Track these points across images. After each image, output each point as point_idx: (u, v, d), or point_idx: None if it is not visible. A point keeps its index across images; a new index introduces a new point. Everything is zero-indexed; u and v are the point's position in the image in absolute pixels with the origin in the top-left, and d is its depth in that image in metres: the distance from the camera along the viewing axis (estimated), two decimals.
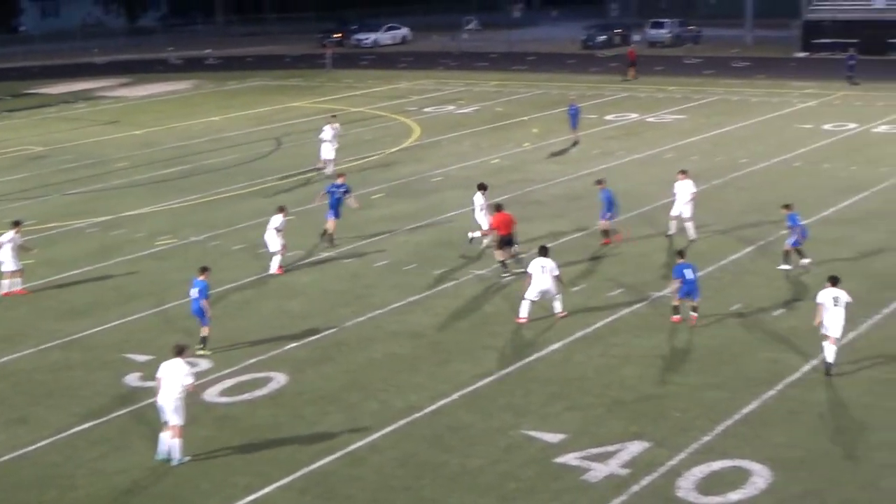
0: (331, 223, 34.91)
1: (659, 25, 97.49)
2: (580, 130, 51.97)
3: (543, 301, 27.58)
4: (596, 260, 32.49)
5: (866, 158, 45.18)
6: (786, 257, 30.71)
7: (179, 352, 20.82)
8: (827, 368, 23.40)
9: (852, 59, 68.37)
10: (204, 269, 26.44)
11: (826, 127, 52.93)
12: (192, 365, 22.96)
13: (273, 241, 32.16)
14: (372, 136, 55.30)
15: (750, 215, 36.60)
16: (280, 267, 32.33)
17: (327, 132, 45.83)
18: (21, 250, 31.87)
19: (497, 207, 31.81)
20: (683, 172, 34.84)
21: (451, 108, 64.65)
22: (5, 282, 31.50)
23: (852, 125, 53.11)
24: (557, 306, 27.64)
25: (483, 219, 33.16)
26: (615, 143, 51.27)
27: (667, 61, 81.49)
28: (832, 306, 23.34)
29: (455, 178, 44.75)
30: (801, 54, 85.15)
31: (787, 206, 30.87)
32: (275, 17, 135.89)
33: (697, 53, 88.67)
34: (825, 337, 23.39)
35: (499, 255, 31.21)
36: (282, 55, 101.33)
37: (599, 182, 34.44)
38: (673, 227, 34.54)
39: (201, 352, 25.95)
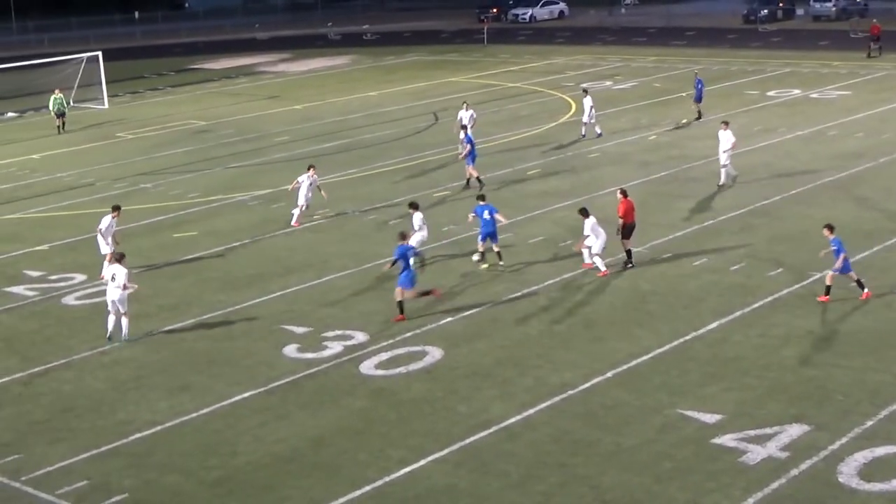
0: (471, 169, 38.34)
1: None
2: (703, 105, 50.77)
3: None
4: (756, 239, 31.86)
5: None
6: None
7: (119, 259, 25.98)
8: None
9: None
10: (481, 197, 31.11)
11: None
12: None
13: (303, 195, 35.46)
14: (528, 112, 55.18)
15: None
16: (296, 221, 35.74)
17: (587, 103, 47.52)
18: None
19: (623, 193, 30.28)
20: (725, 123, 38.12)
21: (608, 83, 64.10)
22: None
23: None
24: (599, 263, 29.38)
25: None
26: (777, 119, 50.20)
27: (832, 36, 79.35)
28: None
29: (612, 154, 44.36)
30: None
31: None
32: None
33: (865, 28, 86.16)
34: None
35: (625, 244, 29.94)
36: (439, 30, 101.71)
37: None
38: (722, 177, 37.61)
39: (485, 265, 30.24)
